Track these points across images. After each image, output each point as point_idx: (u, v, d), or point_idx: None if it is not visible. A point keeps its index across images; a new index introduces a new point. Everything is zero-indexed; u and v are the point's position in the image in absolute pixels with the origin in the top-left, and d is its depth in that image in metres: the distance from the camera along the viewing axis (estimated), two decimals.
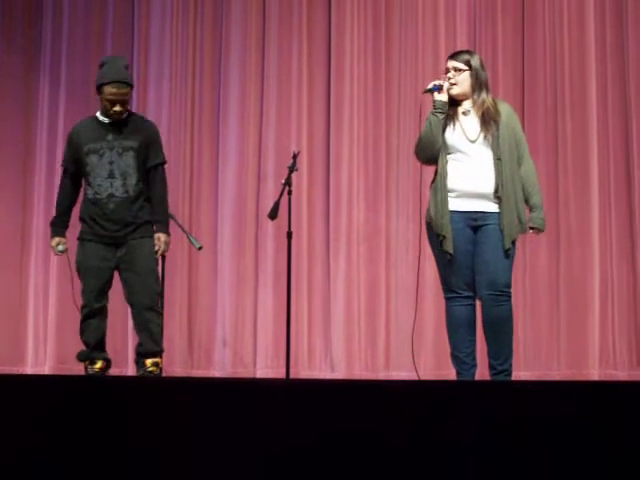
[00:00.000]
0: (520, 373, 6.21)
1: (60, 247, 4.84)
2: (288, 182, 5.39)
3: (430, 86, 4.49)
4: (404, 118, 6.74)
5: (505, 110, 4.50)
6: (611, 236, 6.49)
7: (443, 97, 4.45)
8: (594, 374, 6.30)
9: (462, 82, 4.46)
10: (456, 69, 4.47)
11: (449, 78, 4.47)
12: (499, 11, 6.77)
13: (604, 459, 2.95)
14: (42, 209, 7.00)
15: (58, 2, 7.18)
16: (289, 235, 5.47)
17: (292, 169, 5.44)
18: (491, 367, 4.34)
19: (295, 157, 5.48)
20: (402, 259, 6.63)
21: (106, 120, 4.73)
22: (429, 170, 4.60)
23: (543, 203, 4.50)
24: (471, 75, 4.47)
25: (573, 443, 2.98)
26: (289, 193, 5.40)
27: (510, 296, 4.35)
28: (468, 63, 4.47)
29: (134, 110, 6.75)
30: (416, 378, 4.86)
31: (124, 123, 4.73)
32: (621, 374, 6.30)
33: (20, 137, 7.10)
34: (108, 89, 4.65)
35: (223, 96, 6.98)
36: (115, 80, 4.65)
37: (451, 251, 4.32)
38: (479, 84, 4.48)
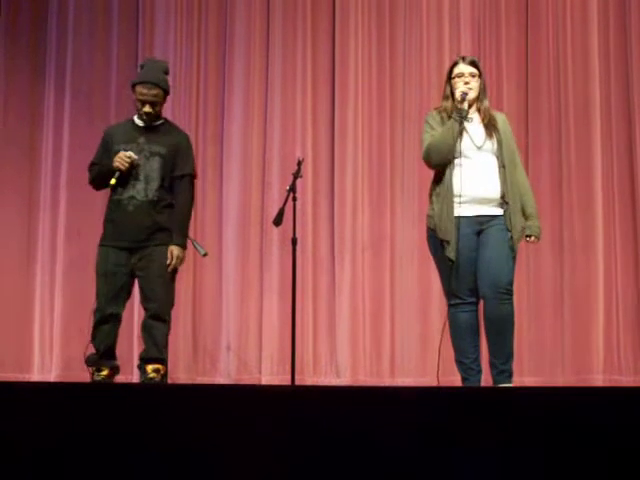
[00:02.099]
0: (524, 379, 6.21)
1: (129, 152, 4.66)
2: (293, 189, 5.40)
3: (461, 95, 4.40)
4: (408, 123, 6.74)
5: (500, 118, 4.51)
6: (615, 243, 6.49)
7: (466, 105, 4.43)
8: (599, 379, 6.29)
9: (476, 88, 4.46)
10: (472, 74, 4.46)
11: (466, 83, 4.44)
12: (503, 15, 6.78)
13: (609, 464, 2.95)
14: (48, 214, 7.02)
15: (63, 6, 7.21)
16: (294, 241, 5.48)
17: (297, 176, 5.45)
18: (492, 366, 4.34)
19: (300, 164, 5.49)
20: (407, 265, 6.63)
21: (141, 123, 4.78)
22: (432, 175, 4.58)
23: (537, 212, 4.50)
24: (481, 80, 4.49)
25: (578, 448, 2.98)
26: (294, 200, 5.41)
27: (512, 295, 4.32)
28: (479, 68, 4.50)
29: None
30: (419, 384, 4.86)
31: (157, 129, 4.77)
32: (626, 379, 6.29)
33: (26, 141, 7.11)
34: (139, 89, 4.74)
35: (227, 102, 6.99)
36: (144, 80, 4.74)
37: (453, 258, 4.30)
38: (484, 89, 4.50)
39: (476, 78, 4.46)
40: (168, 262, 4.65)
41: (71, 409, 3.20)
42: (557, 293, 6.50)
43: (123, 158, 4.65)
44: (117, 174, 4.66)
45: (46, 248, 6.98)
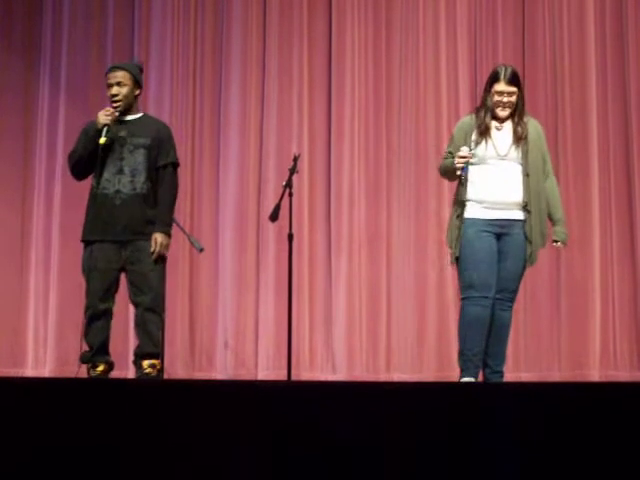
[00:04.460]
0: (521, 374, 6.22)
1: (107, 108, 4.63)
2: (289, 184, 5.39)
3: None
4: (405, 120, 6.74)
5: (533, 126, 4.52)
6: (612, 238, 6.50)
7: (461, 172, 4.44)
8: (595, 375, 6.31)
9: (512, 105, 4.44)
10: (511, 93, 4.42)
11: (504, 104, 4.41)
12: (499, 13, 6.77)
13: (605, 460, 2.95)
14: (42, 210, 7.00)
15: (58, 3, 7.19)
16: (290, 237, 5.47)
17: (293, 171, 5.44)
18: (487, 366, 4.44)
19: (296, 159, 5.48)
20: (404, 261, 6.63)
21: (122, 117, 4.74)
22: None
23: (565, 218, 4.58)
24: (519, 94, 4.46)
25: (574, 443, 2.98)
26: (290, 195, 5.40)
27: (514, 302, 4.50)
28: (519, 83, 4.46)
29: None
30: (415, 380, 4.86)
31: (137, 121, 4.75)
32: (622, 375, 6.30)
33: (20, 137, 7.10)
34: (107, 79, 4.74)
35: (224, 98, 6.98)
36: (109, 68, 4.78)
37: (457, 254, 4.40)
38: (522, 103, 4.49)
39: (514, 96, 4.43)
40: (152, 249, 4.59)
41: (67, 405, 3.20)
42: (553, 288, 6.51)
43: (105, 113, 4.60)
44: (106, 130, 4.57)
45: (40, 242, 6.96)
